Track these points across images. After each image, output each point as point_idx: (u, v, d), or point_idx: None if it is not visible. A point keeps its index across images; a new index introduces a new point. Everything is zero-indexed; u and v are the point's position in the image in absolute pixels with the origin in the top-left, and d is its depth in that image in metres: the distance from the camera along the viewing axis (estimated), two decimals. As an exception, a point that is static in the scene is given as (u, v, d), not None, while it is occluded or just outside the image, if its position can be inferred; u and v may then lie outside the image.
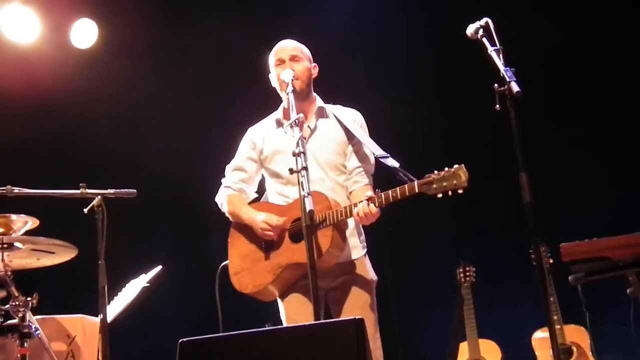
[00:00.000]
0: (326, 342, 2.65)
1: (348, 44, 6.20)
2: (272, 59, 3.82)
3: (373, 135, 3.74)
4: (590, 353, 4.74)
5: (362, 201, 3.41)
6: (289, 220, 3.62)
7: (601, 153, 5.37)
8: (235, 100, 5.87)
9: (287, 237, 3.61)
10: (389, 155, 3.53)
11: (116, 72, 5.93)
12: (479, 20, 3.16)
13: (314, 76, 3.80)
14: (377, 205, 3.38)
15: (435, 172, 3.30)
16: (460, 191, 3.26)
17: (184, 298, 5.95)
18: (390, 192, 3.38)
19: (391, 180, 3.43)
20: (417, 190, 3.31)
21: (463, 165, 3.27)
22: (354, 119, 3.78)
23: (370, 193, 3.45)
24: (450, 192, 3.27)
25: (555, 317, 4.69)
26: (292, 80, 3.63)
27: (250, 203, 3.84)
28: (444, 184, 3.26)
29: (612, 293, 3.35)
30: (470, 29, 3.20)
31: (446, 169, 3.29)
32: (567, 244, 2.73)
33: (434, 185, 3.28)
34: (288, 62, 3.73)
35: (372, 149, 3.62)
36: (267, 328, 3.68)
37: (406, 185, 3.34)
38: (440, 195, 3.28)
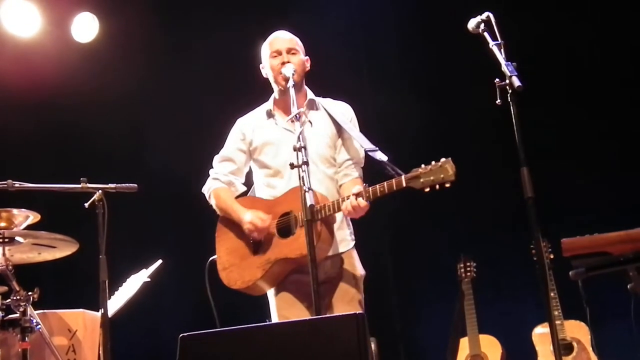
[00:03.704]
0: (327, 337, 2.65)
1: (349, 39, 6.18)
2: (266, 49, 3.80)
3: (373, 130, 3.72)
4: (591, 348, 4.74)
5: (349, 196, 3.37)
6: (276, 215, 3.59)
7: (602, 147, 5.36)
8: (237, 94, 5.84)
9: (276, 232, 3.59)
10: (377, 148, 3.49)
11: (117, 66, 5.93)
12: (480, 14, 3.16)
13: (307, 69, 3.79)
14: (364, 199, 3.35)
15: (423, 165, 3.25)
16: (447, 185, 3.20)
17: (185, 293, 5.94)
18: (377, 186, 3.34)
19: (380, 174, 3.41)
20: (404, 185, 3.26)
21: (450, 158, 3.21)
22: (344, 112, 3.77)
23: (359, 187, 3.42)
24: (437, 186, 3.21)
25: (556, 313, 4.69)
26: (292, 74, 3.61)
27: (238, 196, 3.82)
28: (431, 178, 3.21)
29: (613, 289, 3.35)
30: (471, 23, 3.20)
31: (433, 162, 3.23)
32: (568, 239, 2.73)
33: (421, 180, 3.23)
34: (285, 54, 3.71)
35: (361, 142, 3.58)
36: (268, 323, 3.67)
37: (393, 180, 3.30)
38: (427, 190, 3.23)
